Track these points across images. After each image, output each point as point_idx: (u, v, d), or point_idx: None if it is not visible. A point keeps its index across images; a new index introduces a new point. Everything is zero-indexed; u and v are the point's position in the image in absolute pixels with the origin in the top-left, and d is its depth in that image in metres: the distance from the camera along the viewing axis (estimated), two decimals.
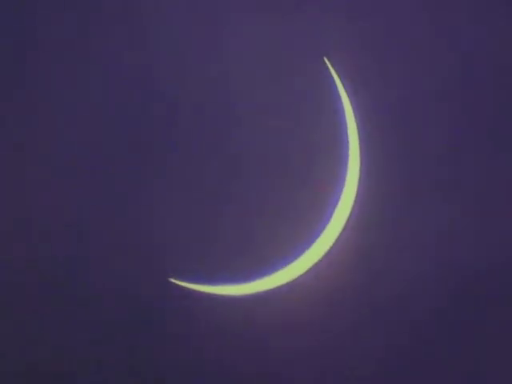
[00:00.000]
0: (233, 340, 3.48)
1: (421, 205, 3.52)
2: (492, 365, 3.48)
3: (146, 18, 3.57)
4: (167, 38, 3.57)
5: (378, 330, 3.49)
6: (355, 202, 3.50)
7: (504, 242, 3.50)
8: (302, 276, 3.48)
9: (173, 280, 3.51)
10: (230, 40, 3.56)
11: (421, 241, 3.50)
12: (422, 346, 3.49)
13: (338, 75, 3.55)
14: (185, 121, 3.54)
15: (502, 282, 3.50)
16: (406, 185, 3.53)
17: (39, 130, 3.54)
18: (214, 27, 3.58)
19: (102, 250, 3.50)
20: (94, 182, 3.53)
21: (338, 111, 3.54)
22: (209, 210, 3.53)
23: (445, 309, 3.49)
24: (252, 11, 3.55)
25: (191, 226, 3.52)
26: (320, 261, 3.48)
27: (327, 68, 3.56)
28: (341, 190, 3.51)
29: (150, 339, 3.49)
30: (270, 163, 3.53)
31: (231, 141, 3.54)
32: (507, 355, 3.47)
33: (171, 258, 3.51)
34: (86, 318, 3.49)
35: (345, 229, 3.49)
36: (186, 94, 3.55)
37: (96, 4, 3.56)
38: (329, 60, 3.56)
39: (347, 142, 3.54)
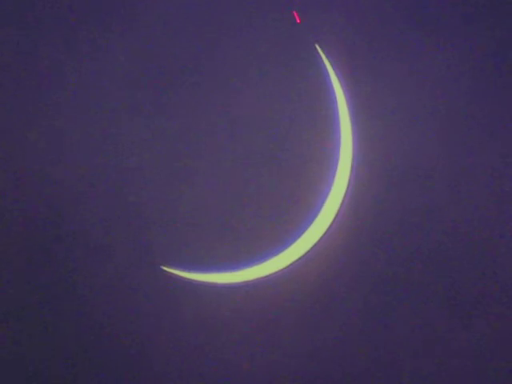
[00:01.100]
0: (223, 328, 3.51)
1: (412, 197, 3.50)
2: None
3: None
4: (161, 29, 3.56)
5: (371, 320, 3.49)
6: (346, 192, 3.49)
7: (496, 235, 3.48)
8: (293, 264, 3.48)
9: (164, 268, 3.53)
10: (220, 29, 3.54)
11: (411, 234, 3.49)
12: (417, 335, 3.49)
13: (330, 62, 3.52)
14: (176, 113, 3.55)
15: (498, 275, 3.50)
16: (399, 177, 3.50)
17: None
18: (204, 16, 3.56)
19: (94, 238, 3.53)
20: (86, 170, 3.55)
21: (331, 99, 3.52)
22: (200, 200, 3.53)
23: (437, 298, 3.49)
24: None
25: (183, 215, 3.53)
26: (311, 249, 3.48)
27: (319, 55, 3.53)
28: (333, 180, 3.50)
29: (142, 326, 3.52)
30: (261, 152, 3.53)
31: (221, 132, 3.53)
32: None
33: (163, 246, 3.53)
34: (76, 306, 3.52)
35: (335, 219, 3.48)
36: (175, 83, 3.55)
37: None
38: (321, 47, 3.53)
39: (339, 129, 3.52)
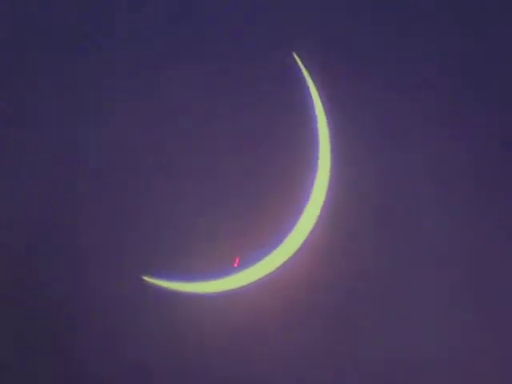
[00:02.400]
0: (207, 337, 3.46)
1: (394, 196, 3.54)
2: None
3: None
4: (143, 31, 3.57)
5: (360, 324, 3.48)
6: (326, 198, 3.51)
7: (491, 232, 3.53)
8: (278, 269, 3.47)
9: (146, 278, 3.47)
10: (196, 33, 3.56)
11: (395, 232, 3.52)
12: (407, 333, 3.48)
13: (308, 70, 3.57)
14: (155, 116, 3.54)
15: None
16: (379, 178, 3.54)
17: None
18: (182, 18, 3.59)
19: (75, 247, 3.46)
20: (66, 178, 3.50)
21: (308, 106, 3.56)
22: (181, 208, 3.51)
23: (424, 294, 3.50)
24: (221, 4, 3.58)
25: (164, 224, 3.50)
26: (292, 256, 3.48)
27: (296, 63, 3.57)
28: (311, 185, 3.52)
29: (123, 337, 3.45)
30: (240, 159, 3.53)
31: (199, 138, 3.53)
32: None
33: (144, 256, 3.48)
34: (57, 317, 3.43)
35: (316, 225, 3.50)
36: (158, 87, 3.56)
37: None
38: (298, 55, 3.58)
39: (317, 137, 3.55)
